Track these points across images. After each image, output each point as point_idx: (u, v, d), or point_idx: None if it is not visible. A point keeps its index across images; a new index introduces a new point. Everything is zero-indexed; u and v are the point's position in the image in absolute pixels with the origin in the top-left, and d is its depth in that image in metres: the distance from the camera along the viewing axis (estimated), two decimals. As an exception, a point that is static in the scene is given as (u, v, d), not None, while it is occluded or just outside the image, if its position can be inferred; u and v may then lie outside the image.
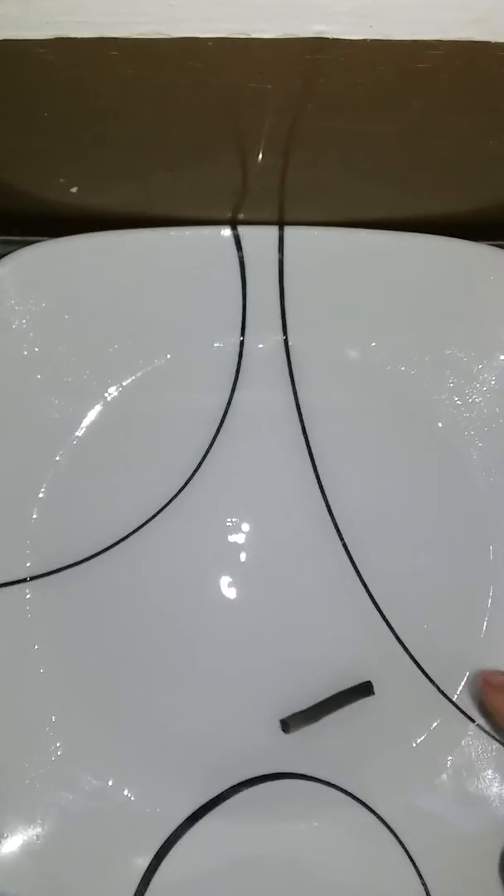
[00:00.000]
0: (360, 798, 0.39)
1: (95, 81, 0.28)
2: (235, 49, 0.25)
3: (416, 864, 0.38)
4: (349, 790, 0.39)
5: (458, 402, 0.41)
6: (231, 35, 0.25)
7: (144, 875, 0.37)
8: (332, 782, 0.39)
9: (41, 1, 0.24)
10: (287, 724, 0.39)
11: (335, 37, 0.25)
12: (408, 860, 0.38)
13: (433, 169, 0.36)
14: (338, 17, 0.24)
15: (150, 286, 0.39)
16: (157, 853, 0.38)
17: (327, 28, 0.24)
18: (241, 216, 0.41)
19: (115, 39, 0.25)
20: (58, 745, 0.39)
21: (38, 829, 0.37)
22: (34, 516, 0.40)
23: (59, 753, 0.38)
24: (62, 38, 0.25)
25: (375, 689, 0.40)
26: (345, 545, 0.40)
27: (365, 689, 0.39)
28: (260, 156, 0.35)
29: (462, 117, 0.31)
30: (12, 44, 0.25)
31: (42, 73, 0.27)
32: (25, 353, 0.39)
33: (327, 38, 0.25)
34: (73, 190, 0.37)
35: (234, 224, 0.39)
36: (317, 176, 0.37)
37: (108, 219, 0.41)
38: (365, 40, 0.25)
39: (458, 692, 0.40)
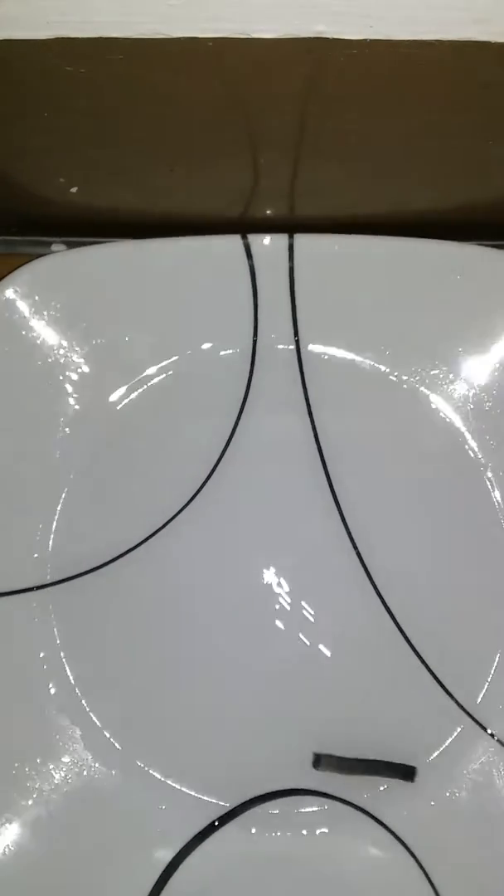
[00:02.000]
0: (375, 815, 0.39)
1: (95, 81, 0.28)
2: (235, 49, 0.25)
3: (434, 882, 0.37)
4: (363, 806, 0.39)
5: (472, 408, 0.41)
6: (231, 35, 0.25)
7: (157, 882, 0.37)
8: (347, 798, 0.39)
9: (41, 1, 0.24)
10: (319, 762, 0.38)
11: (335, 37, 0.25)
12: (425, 878, 0.37)
13: (433, 169, 0.36)
14: (338, 17, 0.24)
15: (162, 295, 0.39)
16: (170, 863, 0.37)
17: (327, 28, 0.24)
18: (240, 215, 0.41)
19: (115, 39, 0.25)
20: (72, 751, 0.38)
21: (49, 843, 0.37)
22: (49, 524, 0.39)
23: (74, 759, 0.38)
24: (62, 38, 0.25)
25: (393, 701, 0.39)
26: (357, 552, 0.40)
27: (407, 773, 0.39)
28: (260, 155, 0.35)
29: (462, 117, 0.31)
30: (12, 44, 0.25)
31: (42, 73, 0.27)
32: (39, 363, 0.39)
33: (327, 38, 0.25)
34: (73, 190, 0.37)
35: (243, 232, 0.39)
36: (317, 175, 0.37)
37: (109, 219, 0.41)
38: (365, 40, 0.25)
39: (475, 704, 0.40)
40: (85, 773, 0.38)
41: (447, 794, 0.39)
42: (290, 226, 0.42)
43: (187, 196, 0.39)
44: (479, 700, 0.40)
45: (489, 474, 0.41)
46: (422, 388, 0.41)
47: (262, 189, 0.38)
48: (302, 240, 0.39)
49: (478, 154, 0.34)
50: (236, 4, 0.24)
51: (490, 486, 0.41)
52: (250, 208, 0.40)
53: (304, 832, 0.39)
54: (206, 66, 0.27)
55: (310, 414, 0.41)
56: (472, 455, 0.41)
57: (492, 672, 0.40)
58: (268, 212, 0.40)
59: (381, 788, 0.39)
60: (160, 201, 0.39)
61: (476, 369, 0.41)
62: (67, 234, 0.43)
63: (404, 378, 0.41)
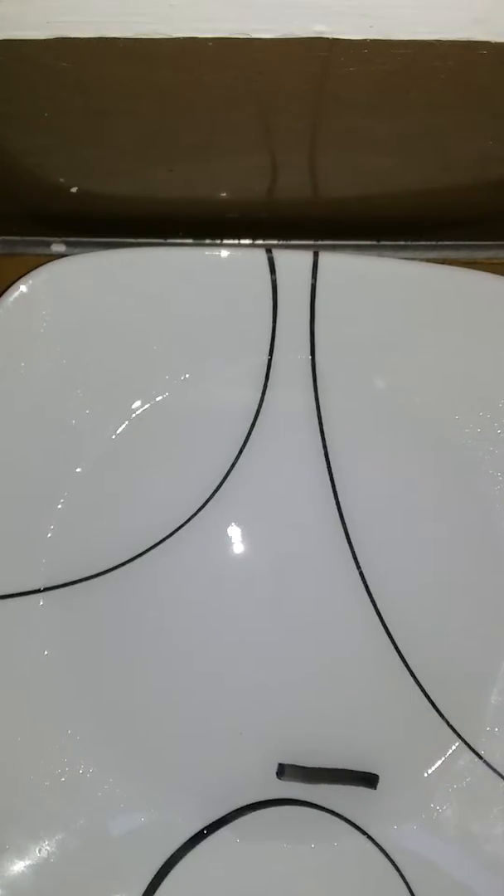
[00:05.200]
0: (363, 828, 0.39)
1: (95, 81, 0.28)
2: (235, 49, 0.25)
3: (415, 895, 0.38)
4: (351, 819, 0.39)
5: (482, 435, 0.41)
6: (231, 35, 0.25)
7: (146, 890, 0.37)
8: (335, 810, 0.39)
9: (41, 1, 0.24)
10: (283, 771, 0.39)
11: (335, 37, 0.25)
12: (407, 891, 0.38)
13: (432, 168, 0.36)
14: (338, 17, 0.24)
15: (181, 303, 0.39)
16: (157, 873, 0.37)
17: (327, 28, 0.24)
18: (239, 215, 0.41)
19: (115, 39, 0.25)
20: (65, 760, 0.38)
21: (41, 844, 0.37)
22: (52, 527, 0.39)
23: (66, 769, 0.38)
24: (62, 38, 0.25)
25: (384, 717, 0.40)
26: (361, 574, 0.40)
27: (368, 780, 0.39)
28: (260, 155, 0.35)
29: (462, 117, 0.31)
30: (12, 44, 0.25)
31: (42, 73, 0.27)
32: (52, 364, 0.38)
33: (327, 38, 0.25)
34: (73, 190, 0.37)
35: (267, 247, 0.38)
36: (316, 175, 0.37)
37: (109, 218, 0.41)
38: (365, 40, 0.25)
39: (466, 725, 0.40)
40: (79, 777, 0.38)
41: (433, 811, 0.39)
42: (290, 226, 0.42)
43: (187, 197, 0.39)
44: (470, 721, 0.40)
45: (496, 503, 0.41)
46: (435, 415, 0.41)
47: (262, 189, 0.38)
48: (327, 257, 0.38)
49: (478, 154, 0.34)
50: (236, 4, 0.24)
51: (497, 511, 0.41)
52: (250, 208, 0.40)
53: (292, 843, 0.39)
54: (206, 66, 0.27)
55: (321, 431, 0.41)
56: (483, 484, 0.41)
57: (484, 694, 0.40)
58: (267, 212, 0.41)
59: (368, 802, 0.39)
60: (160, 202, 0.39)
61: (491, 400, 0.41)
62: (67, 234, 0.43)
63: (418, 404, 0.41)
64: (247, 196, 0.39)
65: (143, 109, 0.30)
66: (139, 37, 0.25)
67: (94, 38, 0.25)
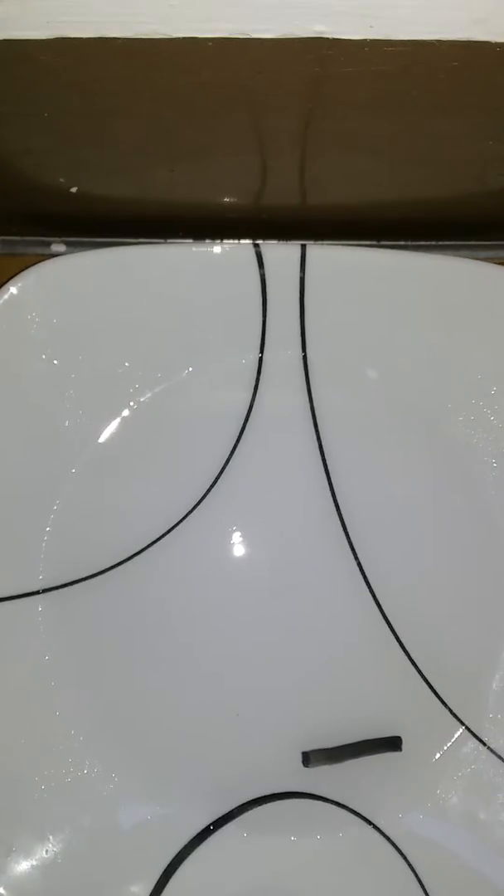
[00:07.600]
0: (369, 818, 0.39)
1: (95, 81, 0.28)
2: (235, 49, 0.25)
3: (425, 886, 0.38)
4: (357, 810, 0.39)
5: (475, 422, 0.41)
6: (231, 35, 0.25)
7: (154, 887, 0.37)
8: (341, 801, 0.39)
9: (41, 1, 0.24)
10: (308, 758, 0.39)
11: (335, 37, 0.25)
12: (415, 880, 0.38)
13: (432, 168, 0.36)
14: (338, 17, 0.24)
15: (171, 301, 0.39)
16: (164, 870, 0.37)
17: (327, 28, 0.24)
18: (239, 215, 0.41)
19: (115, 39, 0.25)
20: (69, 760, 0.38)
21: (48, 844, 0.37)
22: (48, 528, 0.39)
23: (70, 769, 0.38)
24: (62, 38, 0.25)
25: (386, 707, 0.40)
26: (359, 564, 0.40)
27: (392, 744, 0.39)
28: (260, 156, 0.35)
29: (462, 117, 0.31)
30: (12, 44, 0.25)
31: (42, 73, 0.27)
32: (44, 365, 0.38)
33: (327, 38, 0.25)
34: (73, 190, 0.37)
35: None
36: (317, 175, 0.37)
37: (109, 219, 0.41)
38: (365, 40, 0.25)
39: (469, 712, 0.40)
40: (84, 777, 0.38)
41: (438, 799, 0.39)
42: (290, 227, 0.42)
43: (187, 197, 0.39)
44: (473, 708, 0.40)
45: (490, 489, 0.41)
46: (428, 404, 0.41)
47: (263, 189, 0.38)
48: (315, 250, 0.38)
49: (478, 154, 0.34)
50: (236, 4, 0.24)
51: (492, 497, 0.41)
52: (250, 209, 0.40)
53: (298, 835, 0.39)
54: (206, 66, 0.27)
55: (315, 425, 0.41)
56: (476, 470, 0.41)
57: (485, 681, 0.41)
58: (267, 213, 0.41)
59: (374, 792, 0.39)
60: (160, 202, 0.39)
61: (483, 387, 0.41)
62: (67, 234, 0.43)
63: (410, 393, 0.41)
64: (247, 196, 0.39)
65: (143, 109, 0.30)
66: (139, 37, 0.25)
67: (94, 38, 0.25)
